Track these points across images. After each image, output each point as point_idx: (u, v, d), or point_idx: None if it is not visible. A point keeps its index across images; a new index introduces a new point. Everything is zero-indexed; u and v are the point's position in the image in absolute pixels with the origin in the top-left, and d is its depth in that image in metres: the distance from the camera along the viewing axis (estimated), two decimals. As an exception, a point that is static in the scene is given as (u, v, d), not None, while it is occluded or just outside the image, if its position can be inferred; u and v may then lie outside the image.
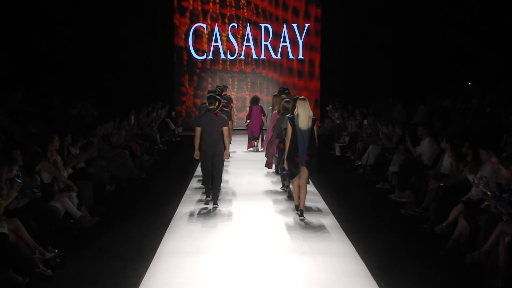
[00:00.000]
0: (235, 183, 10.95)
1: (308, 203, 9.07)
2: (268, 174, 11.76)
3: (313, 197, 9.81)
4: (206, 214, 8.78)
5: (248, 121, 14.66)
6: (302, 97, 8.51)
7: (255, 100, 14.89)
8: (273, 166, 11.27)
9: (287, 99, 9.81)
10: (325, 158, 14.09)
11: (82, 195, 8.39)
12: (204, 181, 9.45)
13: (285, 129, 8.62)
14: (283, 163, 8.83)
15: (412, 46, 18.32)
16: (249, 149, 15.02)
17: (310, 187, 10.20)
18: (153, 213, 8.76)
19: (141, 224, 8.15)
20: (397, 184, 10.00)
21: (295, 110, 8.35)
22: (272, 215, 8.71)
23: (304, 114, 8.22)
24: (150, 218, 8.46)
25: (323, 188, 10.42)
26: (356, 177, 11.80)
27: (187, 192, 10.24)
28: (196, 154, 9.16)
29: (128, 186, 10.59)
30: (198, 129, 9.02)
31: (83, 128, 11.07)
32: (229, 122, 10.26)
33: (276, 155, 10.23)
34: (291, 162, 8.38)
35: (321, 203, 9.42)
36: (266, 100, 19.17)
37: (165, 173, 12.25)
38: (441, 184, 8.18)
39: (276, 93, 12.26)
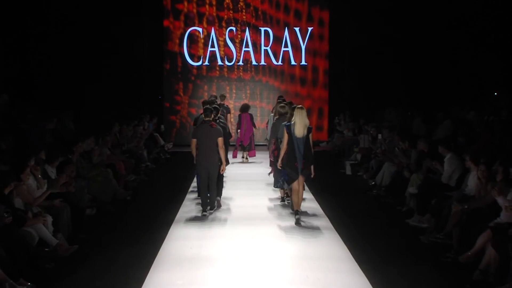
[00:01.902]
0: (231, 206, 10.92)
1: (315, 228, 9.39)
2: (266, 195, 11.81)
3: (321, 221, 9.83)
4: (199, 241, 8.72)
5: (239, 130, 15.46)
6: (300, 105, 9.67)
7: (244, 108, 15.32)
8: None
9: (282, 105, 10.99)
10: (335, 177, 14.10)
11: (59, 220, 8.35)
12: (200, 193, 10.48)
13: (281, 138, 9.70)
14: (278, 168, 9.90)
15: (431, 52, 18.33)
16: (234, 159, 15.53)
17: (314, 204, 10.89)
18: (139, 240, 8.72)
19: (126, 253, 8.10)
20: (416, 208, 9.97)
21: (292, 118, 9.43)
22: (273, 242, 8.66)
23: (300, 123, 9.35)
24: (136, 245, 8.42)
25: (333, 212, 10.40)
26: (369, 199, 11.77)
27: (178, 215, 10.21)
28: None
29: (111, 209, 10.57)
30: (194, 141, 10.28)
31: (60, 145, 11.05)
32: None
33: (271, 159, 10.84)
34: (291, 167, 9.40)
35: (330, 229, 9.38)
36: (266, 110, 19.27)
37: (153, 194, 12.24)
38: (466, 207, 8.15)
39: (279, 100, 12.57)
